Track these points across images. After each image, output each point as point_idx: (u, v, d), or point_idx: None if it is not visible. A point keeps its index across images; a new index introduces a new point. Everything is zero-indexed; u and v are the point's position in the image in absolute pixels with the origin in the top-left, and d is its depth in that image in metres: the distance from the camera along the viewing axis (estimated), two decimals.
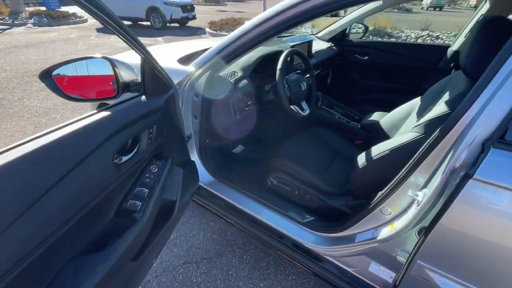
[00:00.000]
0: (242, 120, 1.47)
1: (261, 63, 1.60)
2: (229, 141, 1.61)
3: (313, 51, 2.27)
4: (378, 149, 1.08)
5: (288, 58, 1.52)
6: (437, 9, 19.76)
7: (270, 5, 1.18)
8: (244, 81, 1.48)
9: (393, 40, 8.07)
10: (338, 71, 2.65)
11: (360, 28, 2.73)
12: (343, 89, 2.66)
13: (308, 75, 1.69)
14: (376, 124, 1.61)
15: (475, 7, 16.34)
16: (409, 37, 8.58)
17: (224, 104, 1.37)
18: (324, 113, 1.88)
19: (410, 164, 0.79)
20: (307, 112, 1.54)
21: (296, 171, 1.30)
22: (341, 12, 2.45)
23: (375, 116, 1.75)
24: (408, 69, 2.37)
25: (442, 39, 8.42)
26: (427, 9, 19.75)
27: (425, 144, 0.77)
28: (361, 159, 1.14)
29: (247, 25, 1.03)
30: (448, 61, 2.10)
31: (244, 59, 1.52)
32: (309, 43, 2.24)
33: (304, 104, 1.57)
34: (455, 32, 8.55)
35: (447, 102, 0.96)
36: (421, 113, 1.16)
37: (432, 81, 1.40)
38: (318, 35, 2.59)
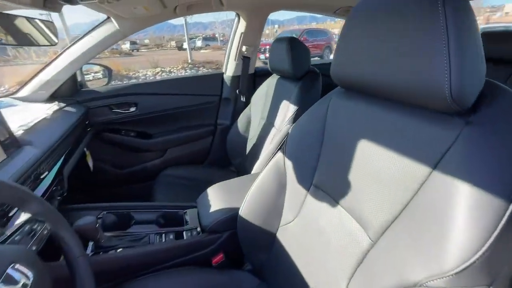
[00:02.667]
0: None
1: None
2: None
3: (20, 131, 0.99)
4: None
5: None
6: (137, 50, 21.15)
7: None
8: None
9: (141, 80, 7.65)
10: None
11: (98, 72, 1.72)
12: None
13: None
14: None
15: (179, 47, 20.58)
16: (147, 75, 8.65)
17: None
18: None
19: None
20: None
21: None
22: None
23: None
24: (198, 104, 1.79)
25: (173, 72, 9.35)
26: (132, 50, 20.68)
27: None
28: None
29: None
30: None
31: None
32: None
33: None
34: (180, 65, 9.87)
35: None
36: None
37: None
38: (19, 95, 1.29)
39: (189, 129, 1.77)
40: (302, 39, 10.97)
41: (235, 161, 1.67)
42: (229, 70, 1.76)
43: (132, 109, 1.61)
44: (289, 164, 0.80)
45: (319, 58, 11.50)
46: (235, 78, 1.76)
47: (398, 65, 0.48)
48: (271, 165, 0.83)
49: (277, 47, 1.32)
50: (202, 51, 20.41)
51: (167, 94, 1.69)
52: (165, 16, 1.29)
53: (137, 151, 1.70)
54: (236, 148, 1.65)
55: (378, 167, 0.54)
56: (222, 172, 1.68)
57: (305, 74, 1.30)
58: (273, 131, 1.38)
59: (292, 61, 1.25)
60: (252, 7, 1.47)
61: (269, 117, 1.44)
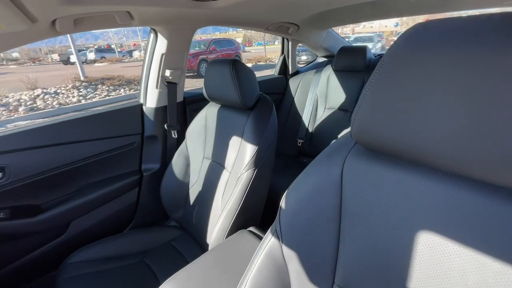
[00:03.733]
0: None
1: None
2: None
3: None
4: None
5: None
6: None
7: None
8: None
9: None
10: None
11: None
12: None
13: None
14: None
15: (65, 61, 17.07)
16: (21, 100, 6.70)
17: None
18: None
19: None
20: None
21: None
22: None
23: None
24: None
25: (62, 93, 7.58)
26: None
27: None
28: None
29: None
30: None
31: None
32: None
33: None
34: (70, 84, 8.10)
35: None
36: None
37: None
38: None
39: (102, 185, 1.27)
40: (211, 49, 10.83)
41: (175, 215, 1.28)
42: (150, 100, 1.35)
43: None
44: (291, 255, 0.54)
45: None
46: (159, 110, 1.37)
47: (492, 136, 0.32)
48: (263, 256, 0.55)
49: (217, 72, 1.04)
50: (96, 64, 17.69)
51: (58, 144, 1.15)
52: (37, 34, 0.82)
53: (15, 238, 1.09)
54: (174, 197, 1.27)
55: (457, 265, 0.37)
56: (160, 234, 1.26)
57: (256, 103, 1.06)
58: (225, 174, 1.09)
59: (241, 89, 0.99)
60: (177, 23, 1.14)
61: (216, 156, 1.14)
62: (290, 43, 1.90)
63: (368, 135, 0.43)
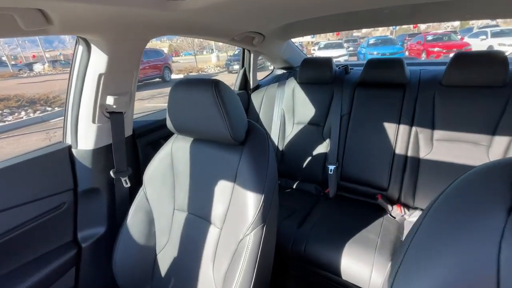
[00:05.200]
0: None
1: None
2: None
3: None
4: None
5: None
6: None
7: None
8: None
9: None
10: None
11: None
12: None
13: None
14: None
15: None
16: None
17: None
18: None
19: None
20: None
21: None
22: None
23: None
24: None
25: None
26: None
27: None
28: None
29: None
30: None
31: None
32: None
33: None
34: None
35: None
36: None
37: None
38: None
39: (22, 274, 0.81)
40: None
41: None
42: (84, 140, 0.94)
43: None
44: None
45: (160, 79, 10.81)
46: (99, 152, 0.97)
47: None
48: None
49: (191, 97, 0.78)
50: None
51: None
52: None
53: None
54: (135, 271, 0.91)
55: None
56: None
57: (247, 134, 0.82)
58: (212, 232, 0.82)
59: (229, 119, 0.74)
60: (124, 31, 0.79)
61: (195, 208, 0.86)
62: (252, 55, 1.69)
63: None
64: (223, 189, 0.80)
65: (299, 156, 1.66)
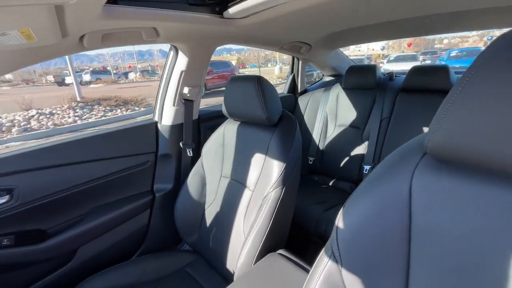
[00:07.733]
0: None
1: None
2: None
3: None
4: None
5: None
6: None
7: None
8: None
9: None
10: None
11: None
12: None
13: None
14: None
15: (59, 82, 17.06)
16: (14, 121, 6.57)
17: None
18: None
19: None
20: None
21: None
22: None
23: None
24: None
25: (58, 114, 7.49)
26: None
27: None
28: None
29: None
30: None
31: None
32: None
33: None
34: (66, 104, 8.04)
35: None
36: None
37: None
38: None
39: (112, 208, 1.20)
40: (207, 70, 11.03)
41: (189, 238, 1.20)
42: (166, 118, 1.32)
43: (2, 200, 0.94)
44: (353, 281, 0.48)
45: None
46: (175, 128, 1.33)
47: None
48: (321, 284, 0.50)
49: (239, 89, 1.03)
50: (92, 85, 17.73)
51: (68, 164, 1.09)
52: (64, 49, 0.79)
53: (18, 267, 0.99)
54: (188, 219, 1.19)
55: None
56: (173, 260, 1.17)
57: (280, 119, 1.04)
58: (246, 194, 1.04)
59: (266, 106, 0.97)
60: (199, 40, 1.13)
61: (236, 175, 1.10)
62: (300, 62, 1.93)
63: (451, 145, 0.40)
64: (257, 159, 1.04)
65: (338, 156, 1.78)
